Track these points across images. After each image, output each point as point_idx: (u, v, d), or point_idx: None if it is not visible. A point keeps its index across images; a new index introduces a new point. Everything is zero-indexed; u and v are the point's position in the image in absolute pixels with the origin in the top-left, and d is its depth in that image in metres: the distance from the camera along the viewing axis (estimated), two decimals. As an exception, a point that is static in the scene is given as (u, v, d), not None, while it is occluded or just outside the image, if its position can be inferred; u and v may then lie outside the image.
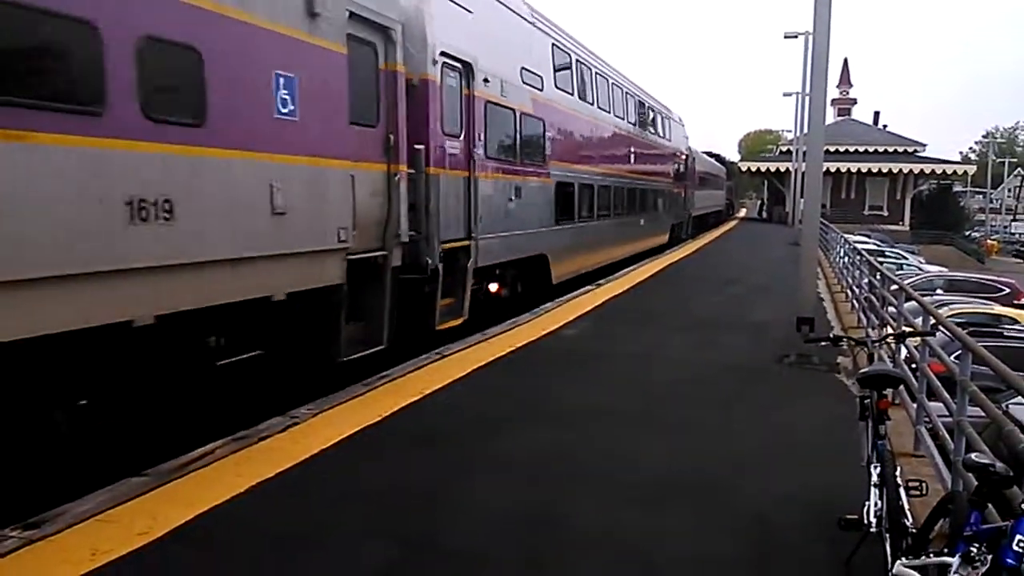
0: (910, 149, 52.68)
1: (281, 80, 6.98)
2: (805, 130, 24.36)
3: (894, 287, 9.35)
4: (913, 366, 6.93)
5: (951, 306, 15.36)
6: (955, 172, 53.84)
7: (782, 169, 51.51)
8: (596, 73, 18.48)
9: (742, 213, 74.35)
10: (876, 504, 4.07)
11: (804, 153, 21.78)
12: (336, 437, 6.26)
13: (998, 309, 16.49)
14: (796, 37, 38.67)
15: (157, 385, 6.40)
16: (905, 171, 51.22)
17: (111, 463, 5.57)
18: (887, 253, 29.30)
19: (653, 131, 26.26)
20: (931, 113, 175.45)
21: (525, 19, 13.82)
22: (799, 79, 40.11)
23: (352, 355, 8.32)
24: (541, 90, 14.17)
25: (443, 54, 10.06)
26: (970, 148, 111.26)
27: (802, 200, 16.18)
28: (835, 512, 4.37)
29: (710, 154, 51.55)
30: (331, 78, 7.72)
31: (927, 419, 6.15)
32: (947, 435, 5.26)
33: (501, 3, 12.68)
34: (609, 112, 19.79)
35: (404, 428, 6.66)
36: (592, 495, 5.31)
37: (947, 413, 5.34)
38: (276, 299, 7.08)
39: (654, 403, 7.74)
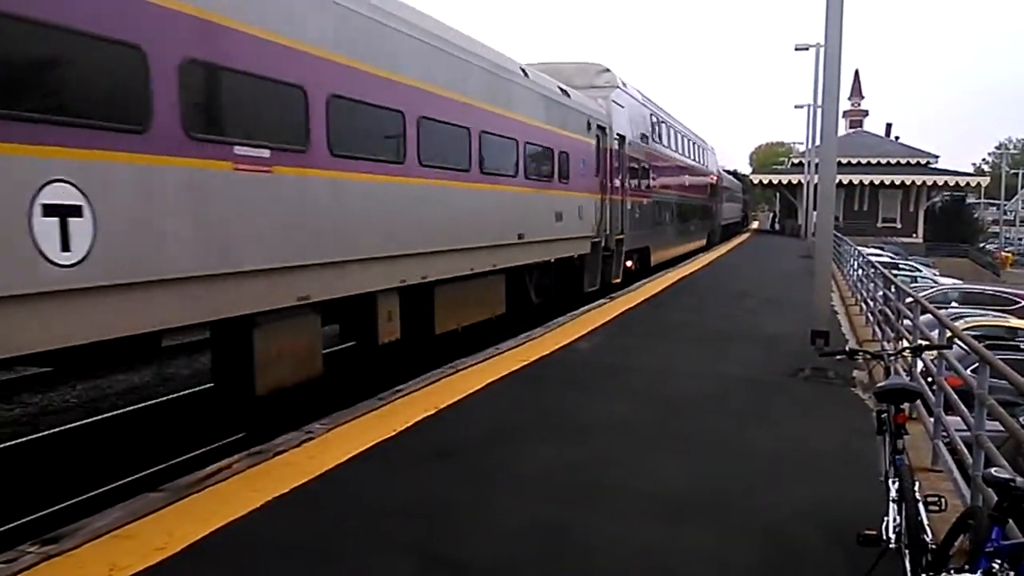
0: (923, 161, 52.44)
1: (580, 159, 15.97)
2: (817, 142, 24.44)
3: (909, 300, 9.29)
4: (930, 380, 6.88)
5: (966, 319, 15.25)
6: (968, 184, 53.51)
7: (794, 182, 51.38)
8: (668, 126, 27.73)
9: (754, 225, 74.06)
10: (895, 519, 4.04)
11: (816, 165, 21.91)
12: (351, 452, 6.27)
13: (1014, 322, 16.35)
14: (807, 49, 38.59)
15: (548, 290, 15.23)
16: (918, 183, 50.90)
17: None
18: (901, 266, 29.14)
19: (698, 161, 35.56)
20: (943, 124, 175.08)
21: (638, 100, 22.82)
22: (810, 91, 40.09)
23: (588, 290, 16.68)
24: (647, 144, 23.06)
25: (617, 134, 18.92)
26: (983, 159, 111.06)
27: (815, 212, 16.30)
28: (853, 527, 4.34)
29: (728, 171, 52.61)
30: (591, 155, 16.83)
31: (945, 433, 6.09)
32: (965, 449, 5.21)
33: (632, 96, 21.79)
34: (676, 151, 29.18)
35: (419, 443, 6.67)
36: (611, 508, 5.30)
37: (965, 427, 5.30)
38: (574, 257, 15.93)
39: (670, 417, 7.73)
